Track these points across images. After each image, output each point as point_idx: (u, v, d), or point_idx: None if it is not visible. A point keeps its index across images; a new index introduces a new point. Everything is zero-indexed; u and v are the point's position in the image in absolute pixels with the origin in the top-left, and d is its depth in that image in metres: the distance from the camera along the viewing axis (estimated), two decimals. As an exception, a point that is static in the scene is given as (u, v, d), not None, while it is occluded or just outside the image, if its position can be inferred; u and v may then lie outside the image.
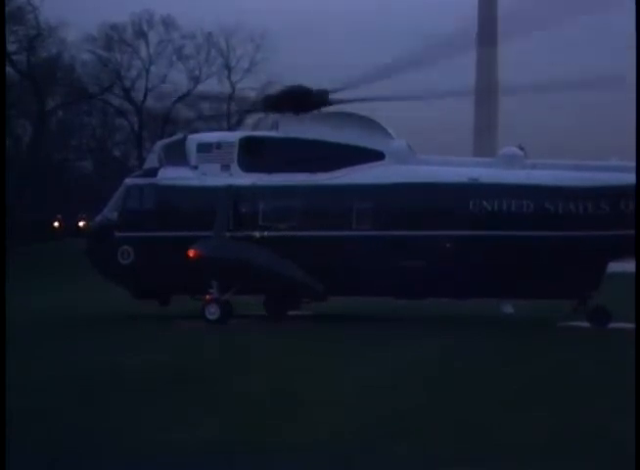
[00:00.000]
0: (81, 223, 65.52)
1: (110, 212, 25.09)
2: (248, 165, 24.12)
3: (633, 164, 19.33)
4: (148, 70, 73.61)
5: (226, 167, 24.23)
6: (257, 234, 23.56)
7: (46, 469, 8.58)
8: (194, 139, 25.29)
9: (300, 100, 24.19)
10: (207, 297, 23.35)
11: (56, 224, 70.62)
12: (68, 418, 10.50)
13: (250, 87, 69.64)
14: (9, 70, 61.07)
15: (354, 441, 9.46)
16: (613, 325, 21.96)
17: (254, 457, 8.83)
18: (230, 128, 61.31)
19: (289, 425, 10.11)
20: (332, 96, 24.09)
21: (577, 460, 8.71)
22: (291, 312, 25.48)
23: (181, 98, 70.64)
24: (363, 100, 24.10)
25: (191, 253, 22.92)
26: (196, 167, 24.39)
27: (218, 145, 24.63)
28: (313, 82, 24.57)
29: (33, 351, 16.47)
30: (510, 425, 10.09)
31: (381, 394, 12.21)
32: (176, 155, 24.74)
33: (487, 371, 14.17)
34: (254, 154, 24.18)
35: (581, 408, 11.20)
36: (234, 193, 23.72)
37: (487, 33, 57.41)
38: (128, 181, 25.44)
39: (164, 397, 11.89)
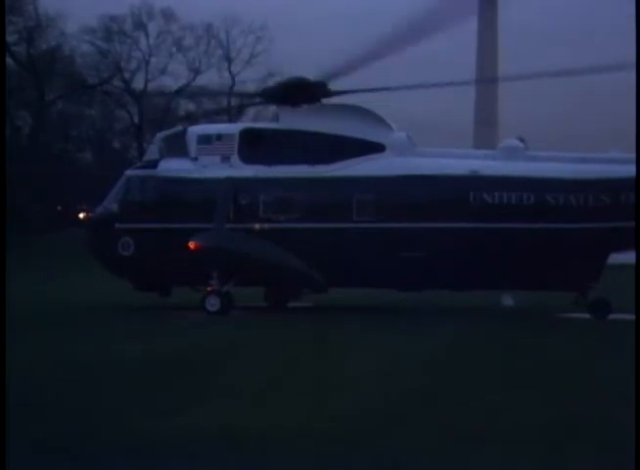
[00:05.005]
0: (82, 215, 65.53)
1: (110, 204, 25.10)
2: (248, 157, 24.13)
3: (633, 155, 19.35)
4: (148, 62, 73.66)
5: (226, 159, 24.24)
6: (258, 226, 23.58)
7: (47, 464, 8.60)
8: (194, 131, 25.31)
9: (300, 92, 24.16)
10: (208, 288, 23.41)
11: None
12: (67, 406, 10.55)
13: (250, 79, 69.74)
14: (8, 60, 61.07)
15: (354, 430, 9.49)
16: (613, 317, 22.02)
17: (258, 445, 8.87)
18: (230, 120, 61.23)
19: (286, 415, 10.15)
20: (331, 87, 24.05)
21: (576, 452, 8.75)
22: (291, 304, 25.53)
23: (179, 92, 70.58)
24: (363, 91, 24.07)
25: (191, 244, 22.97)
26: (196, 159, 24.40)
27: (218, 137, 24.63)
28: (314, 74, 24.47)
29: (33, 341, 16.47)
30: (508, 416, 10.15)
31: (379, 388, 12.22)
32: (176, 146, 24.78)
33: (487, 368, 14.14)
34: (255, 145, 24.17)
35: (582, 401, 11.24)
36: (234, 185, 23.73)
37: (487, 19, 57.44)
38: (129, 173, 25.45)
39: (162, 387, 11.90)
